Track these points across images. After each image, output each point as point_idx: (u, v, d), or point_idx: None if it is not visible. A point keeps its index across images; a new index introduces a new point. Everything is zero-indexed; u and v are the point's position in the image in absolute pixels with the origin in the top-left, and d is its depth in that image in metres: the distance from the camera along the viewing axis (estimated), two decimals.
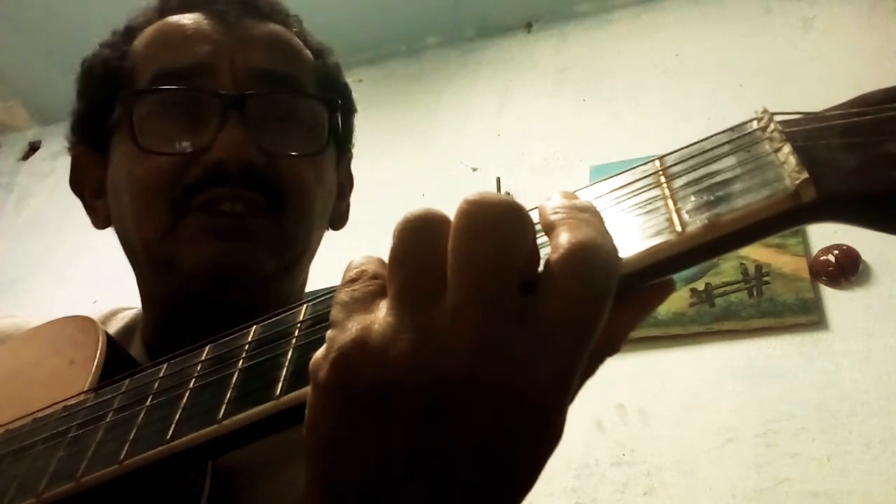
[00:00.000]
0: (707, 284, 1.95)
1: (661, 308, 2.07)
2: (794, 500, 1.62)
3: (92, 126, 0.72)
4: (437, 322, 0.31)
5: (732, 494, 1.66)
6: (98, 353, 0.55)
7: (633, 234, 0.33)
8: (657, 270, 0.33)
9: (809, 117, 0.34)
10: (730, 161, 0.34)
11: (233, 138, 0.63)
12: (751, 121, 0.35)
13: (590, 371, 0.36)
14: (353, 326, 0.32)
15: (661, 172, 0.35)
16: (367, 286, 0.34)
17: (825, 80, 2.25)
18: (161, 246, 0.65)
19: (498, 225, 0.32)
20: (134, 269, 0.71)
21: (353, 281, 0.35)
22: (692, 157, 0.35)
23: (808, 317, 1.83)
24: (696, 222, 0.32)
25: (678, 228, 0.32)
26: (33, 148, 3.26)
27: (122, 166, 0.68)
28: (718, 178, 0.33)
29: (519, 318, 0.31)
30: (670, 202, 0.33)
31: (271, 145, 0.66)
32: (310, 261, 0.72)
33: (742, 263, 1.96)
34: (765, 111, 0.35)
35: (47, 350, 0.60)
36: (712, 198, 0.32)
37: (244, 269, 0.64)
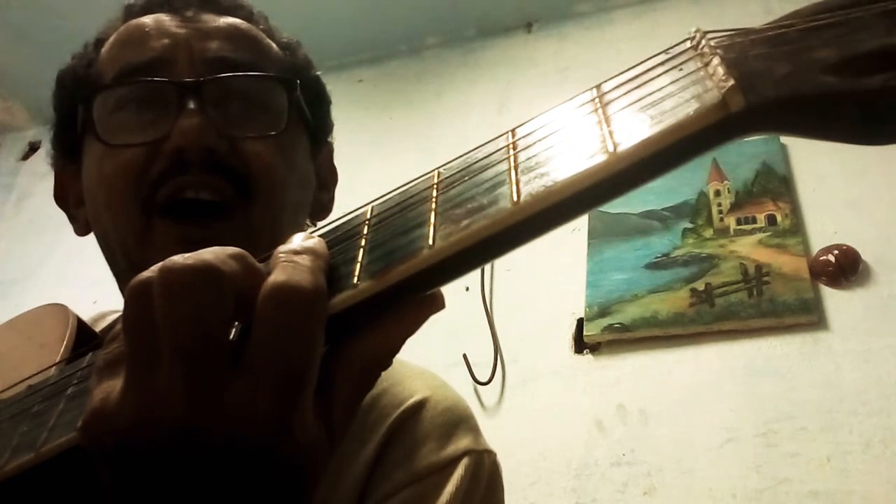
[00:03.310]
0: (707, 284, 1.94)
1: (661, 308, 2.08)
2: (794, 500, 1.62)
3: (65, 137, 0.73)
4: (158, 383, 0.34)
5: (732, 494, 1.66)
6: (67, 335, 0.55)
7: (571, 159, 0.34)
8: (596, 194, 0.33)
9: (741, 31, 0.34)
10: (663, 81, 0.34)
11: (190, 124, 0.63)
12: (684, 41, 0.35)
13: (365, 387, 0.39)
14: (97, 395, 0.36)
15: (597, 99, 0.36)
16: (120, 348, 0.37)
17: None
18: (137, 250, 0.65)
19: (188, 288, 0.34)
20: (114, 272, 0.72)
21: (110, 340, 0.38)
22: (627, 81, 0.35)
23: (808, 317, 1.83)
24: (628, 141, 0.32)
25: (610, 149, 0.33)
26: (33, 148, 3.26)
27: (91, 168, 0.68)
28: (651, 99, 0.33)
29: (231, 363, 0.34)
30: (604, 125, 0.34)
31: (231, 129, 0.65)
32: None
33: (742, 263, 1.96)
34: (697, 30, 0.35)
35: (20, 337, 0.61)
36: (645, 117, 0.33)
37: None
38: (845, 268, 1.86)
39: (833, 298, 1.85)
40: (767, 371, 1.80)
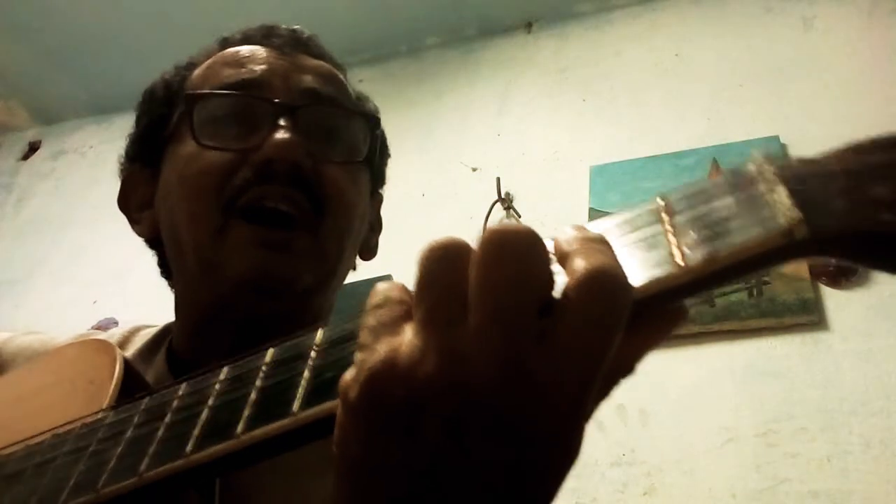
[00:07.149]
0: None
1: None
2: (794, 500, 1.62)
3: (149, 141, 0.78)
4: (461, 343, 0.33)
5: (732, 494, 1.66)
6: (116, 374, 0.57)
7: (637, 266, 0.35)
8: (660, 301, 0.35)
9: (802, 161, 0.36)
10: (728, 200, 0.35)
11: (283, 139, 0.68)
12: (748, 164, 0.37)
13: (604, 393, 0.38)
14: (382, 349, 0.34)
15: (662, 209, 0.37)
16: (393, 311, 0.36)
17: (825, 80, 2.25)
18: (211, 247, 0.68)
19: (518, 252, 0.34)
20: (178, 274, 0.75)
21: (378, 306, 0.37)
22: (692, 195, 0.37)
23: (808, 317, 1.83)
24: (696, 256, 0.34)
25: (679, 261, 0.34)
26: (33, 148, 3.26)
27: (175, 167, 0.73)
28: (717, 216, 0.35)
29: (538, 339, 0.33)
30: (672, 237, 0.35)
31: (317, 152, 0.71)
32: (341, 282, 0.76)
33: None
34: (762, 156, 0.37)
35: (67, 370, 0.62)
36: (711, 233, 0.34)
37: (284, 280, 0.68)
38: (845, 268, 1.85)
39: (833, 298, 1.86)
40: (767, 371, 1.80)
